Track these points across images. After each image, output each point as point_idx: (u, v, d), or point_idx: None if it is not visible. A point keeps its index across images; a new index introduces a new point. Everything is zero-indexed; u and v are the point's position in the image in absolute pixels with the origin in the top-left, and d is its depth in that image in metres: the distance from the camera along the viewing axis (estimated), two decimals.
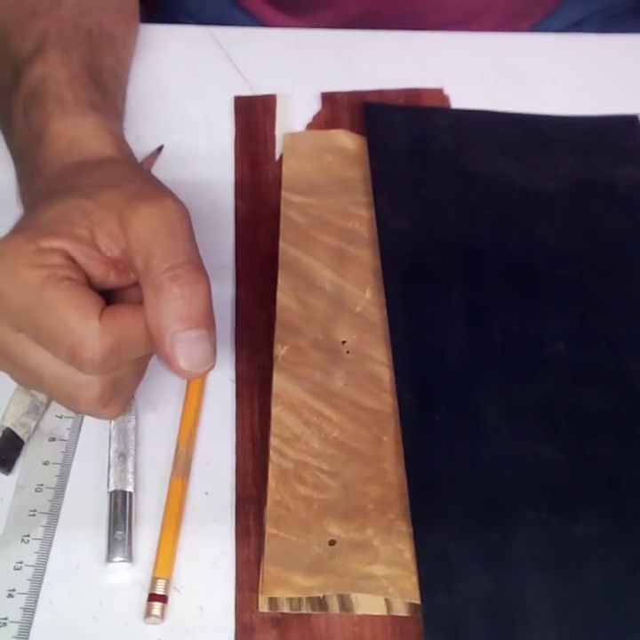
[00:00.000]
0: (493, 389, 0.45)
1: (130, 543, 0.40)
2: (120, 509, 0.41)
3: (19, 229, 0.38)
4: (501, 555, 0.40)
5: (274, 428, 0.43)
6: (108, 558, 0.40)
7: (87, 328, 0.36)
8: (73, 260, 0.37)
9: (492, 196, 0.52)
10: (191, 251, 0.38)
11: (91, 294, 0.37)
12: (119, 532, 0.40)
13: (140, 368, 0.40)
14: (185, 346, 0.36)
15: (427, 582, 0.39)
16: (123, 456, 0.42)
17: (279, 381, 0.44)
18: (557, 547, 0.40)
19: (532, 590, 0.39)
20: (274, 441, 0.43)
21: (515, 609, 0.39)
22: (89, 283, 0.38)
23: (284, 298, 0.47)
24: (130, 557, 0.40)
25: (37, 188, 0.43)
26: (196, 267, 0.37)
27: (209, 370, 0.37)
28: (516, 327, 0.47)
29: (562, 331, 0.47)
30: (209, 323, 0.37)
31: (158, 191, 0.40)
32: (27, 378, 0.39)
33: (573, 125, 0.56)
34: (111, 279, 0.38)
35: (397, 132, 0.48)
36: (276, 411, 0.44)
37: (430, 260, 0.49)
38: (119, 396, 0.39)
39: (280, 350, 0.45)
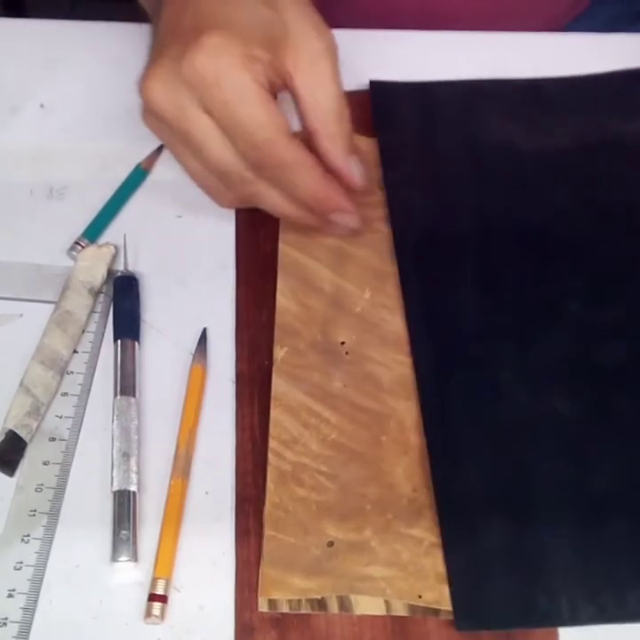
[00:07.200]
0: (509, 350, 0.45)
1: (134, 543, 0.41)
2: (125, 509, 0.41)
3: (220, 27, 0.42)
4: (522, 507, 0.41)
5: (272, 430, 0.43)
6: (114, 558, 0.40)
7: (282, 134, 0.42)
8: (266, 74, 0.43)
9: (503, 161, 0.52)
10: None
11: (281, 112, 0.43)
12: (124, 532, 0.41)
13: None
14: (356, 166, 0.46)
15: (449, 539, 0.40)
16: (126, 455, 0.42)
17: (278, 384, 0.44)
18: (577, 500, 0.41)
19: (553, 543, 0.40)
20: (272, 443, 0.43)
21: (536, 560, 0.40)
22: None
23: (283, 299, 0.47)
24: (135, 557, 0.40)
25: None
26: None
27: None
28: (530, 287, 0.48)
29: (576, 289, 0.48)
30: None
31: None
32: (191, 154, 0.45)
33: (581, 84, 0.56)
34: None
35: (404, 105, 0.48)
36: (274, 413, 0.44)
37: (442, 226, 0.50)
38: (248, 202, 0.47)
39: (279, 352, 0.45)
